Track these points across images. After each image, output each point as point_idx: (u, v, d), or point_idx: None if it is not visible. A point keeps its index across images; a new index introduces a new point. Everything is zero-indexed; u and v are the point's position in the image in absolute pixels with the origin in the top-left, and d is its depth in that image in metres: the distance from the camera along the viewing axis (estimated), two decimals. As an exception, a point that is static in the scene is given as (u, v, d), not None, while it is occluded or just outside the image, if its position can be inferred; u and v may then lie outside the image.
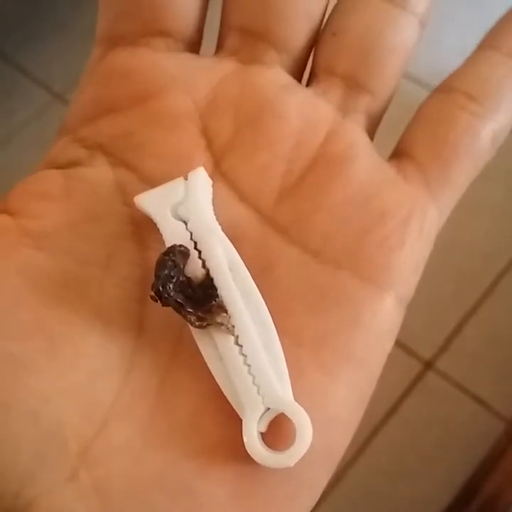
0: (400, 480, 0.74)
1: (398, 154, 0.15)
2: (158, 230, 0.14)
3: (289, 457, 0.13)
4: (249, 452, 0.13)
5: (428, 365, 0.78)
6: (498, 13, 0.16)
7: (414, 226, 0.14)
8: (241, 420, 0.13)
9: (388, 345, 0.14)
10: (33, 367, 0.13)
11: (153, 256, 0.14)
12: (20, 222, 0.14)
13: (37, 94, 1.11)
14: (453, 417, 0.76)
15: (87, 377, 0.13)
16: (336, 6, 0.16)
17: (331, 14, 0.16)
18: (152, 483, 0.13)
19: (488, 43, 0.16)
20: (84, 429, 0.13)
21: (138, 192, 0.14)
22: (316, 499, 0.14)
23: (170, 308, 0.13)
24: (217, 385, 0.13)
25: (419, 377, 0.78)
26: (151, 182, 0.14)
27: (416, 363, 0.79)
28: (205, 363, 0.13)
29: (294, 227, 0.14)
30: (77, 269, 0.14)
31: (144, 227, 0.14)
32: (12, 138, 1.07)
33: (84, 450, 0.13)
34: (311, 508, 0.14)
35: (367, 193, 0.14)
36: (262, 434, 0.13)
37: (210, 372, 0.13)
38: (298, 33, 0.15)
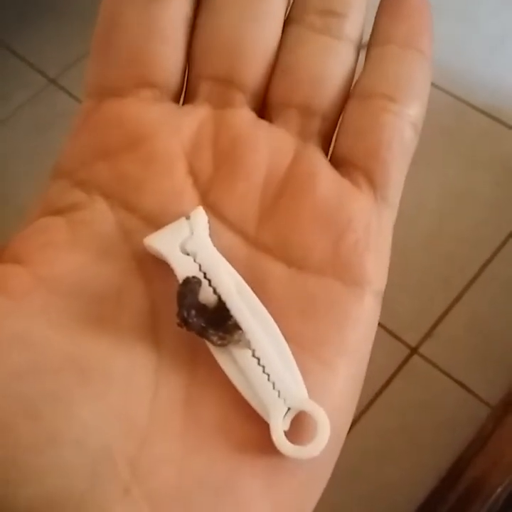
0: (387, 462, 0.76)
1: (343, 164, 0.17)
2: (159, 263, 0.16)
3: (314, 448, 0.15)
4: (278, 448, 0.15)
5: (414, 350, 0.80)
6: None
7: (374, 227, 0.16)
8: (263, 422, 0.15)
9: (372, 333, 0.16)
10: (70, 398, 0.14)
11: (158, 287, 0.15)
12: (32, 270, 0.15)
13: (31, 78, 1.11)
14: (438, 401, 0.78)
15: (120, 399, 0.14)
16: (281, 45, 0.18)
17: (278, 53, 0.17)
18: (196, 485, 0.14)
19: (381, 38, 0.17)
20: (128, 447, 0.14)
21: (137, 231, 0.16)
22: (327, 480, 0.16)
23: (181, 331, 0.15)
24: (237, 395, 0.15)
25: (405, 362, 0.80)
26: (149, 220, 0.16)
27: (402, 347, 0.80)
28: (223, 376, 0.15)
29: (277, 245, 0.16)
30: (92, 306, 0.15)
31: (146, 262, 0.16)
32: (6, 122, 1.07)
33: (132, 467, 0.14)
34: (323, 487, 0.16)
35: (332, 206, 0.16)
36: (284, 431, 0.15)
37: (229, 384, 0.15)
38: (258, 75, 0.17)
